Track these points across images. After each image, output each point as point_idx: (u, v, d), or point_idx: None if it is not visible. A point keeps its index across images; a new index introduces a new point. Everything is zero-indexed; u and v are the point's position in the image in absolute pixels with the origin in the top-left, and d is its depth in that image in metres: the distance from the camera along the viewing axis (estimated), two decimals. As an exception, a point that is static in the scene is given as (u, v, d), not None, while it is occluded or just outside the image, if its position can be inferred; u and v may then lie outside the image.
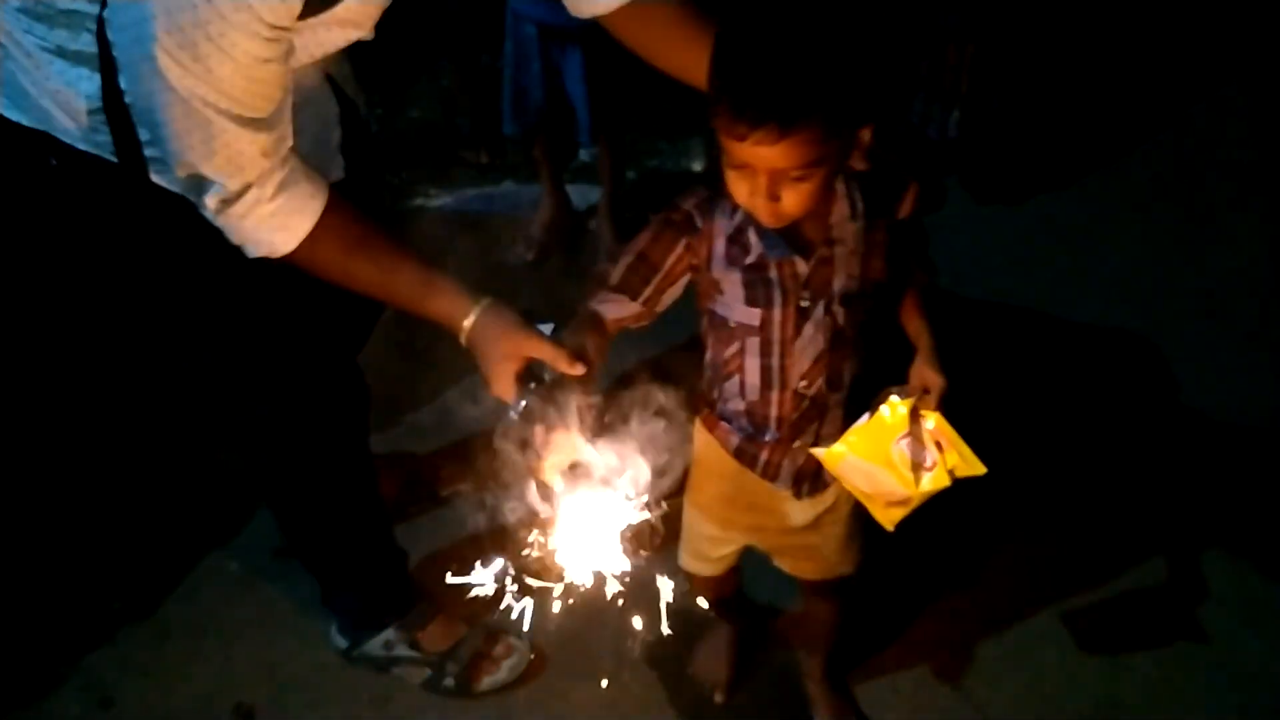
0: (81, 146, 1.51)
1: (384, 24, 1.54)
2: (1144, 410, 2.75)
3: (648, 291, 1.54)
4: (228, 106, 1.32)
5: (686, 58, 1.54)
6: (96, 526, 2.40)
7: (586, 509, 1.46)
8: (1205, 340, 2.89)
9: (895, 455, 1.57)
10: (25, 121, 1.53)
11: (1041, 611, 2.31)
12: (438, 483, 2.50)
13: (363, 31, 1.51)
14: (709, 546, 1.89)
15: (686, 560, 1.93)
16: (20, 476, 2.42)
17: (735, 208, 1.51)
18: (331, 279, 1.51)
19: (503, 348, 1.47)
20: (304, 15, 1.35)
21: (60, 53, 1.45)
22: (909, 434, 1.57)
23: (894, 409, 1.55)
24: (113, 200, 1.57)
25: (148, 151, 1.39)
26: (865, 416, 1.57)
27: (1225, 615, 2.31)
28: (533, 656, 2.21)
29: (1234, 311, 2.99)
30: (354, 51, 1.66)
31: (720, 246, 1.54)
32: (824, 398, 1.64)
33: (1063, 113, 3.59)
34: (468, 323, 1.49)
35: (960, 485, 1.56)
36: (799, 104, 1.32)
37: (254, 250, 1.45)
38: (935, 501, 1.55)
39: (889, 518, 1.65)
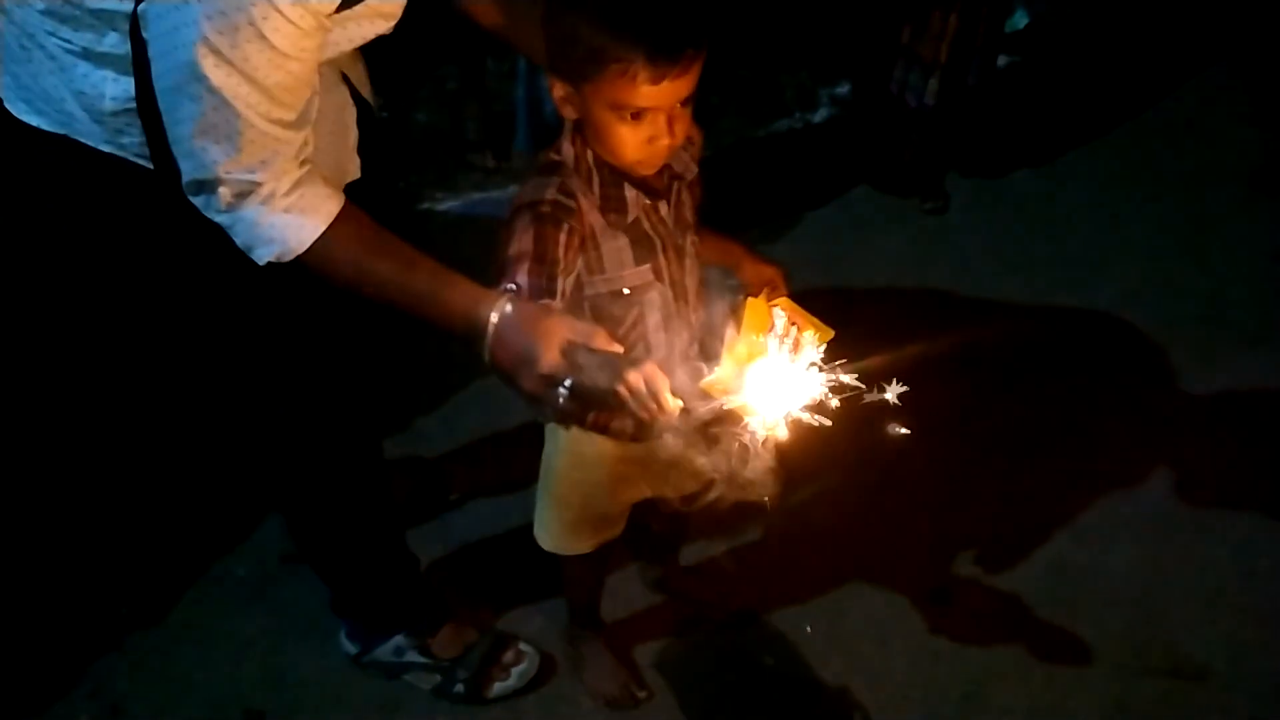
0: (105, 149, 1.50)
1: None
2: (1146, 413, 2.75)
3: (559, 287, 1.52)
4: (258, 101, 1.31)
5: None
6: (105, 532, 2.38)
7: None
8: (1208, 344, 2.91)
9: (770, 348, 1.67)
10: (45, 125, 1.52)
11: (1051, 619, 2.32)
12: (447, 487, 2.50)
13: (389, 24, 1.51)
14: (610, 505, 1.89)
15: (580, 540, 1.93)
16: (29, 481, 2.41)
17: (590, 178, 1.57)
18: (346, 280, 1.47)
19: (539, 325, 1.40)
20: (345, 5, 1.35)
21: (86, 55, 1.44)
22: (771, 327, 1.65)
23: (758, 310, 1.62)
24: (132, 202, 1.56)
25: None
26: (730, 330, 1.63)
27: (1236, 623, 2.32)
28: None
29: (1237, 315, 3.01)
30: (362, 54, 1.67)
31: (597, 219, 1.57)
32: (699, 320, 1.72)
33: (1060, 103, 3.63)
34: (495, 315, 1.42)
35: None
36: (701, 22, 1.44)
37: (265, 252, 1.42)
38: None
39: None
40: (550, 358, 1.39)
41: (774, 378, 1.39)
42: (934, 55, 3.08)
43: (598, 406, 1.42)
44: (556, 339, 1.39)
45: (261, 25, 1.27)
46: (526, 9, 1.67)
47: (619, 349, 1.41)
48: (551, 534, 1.94)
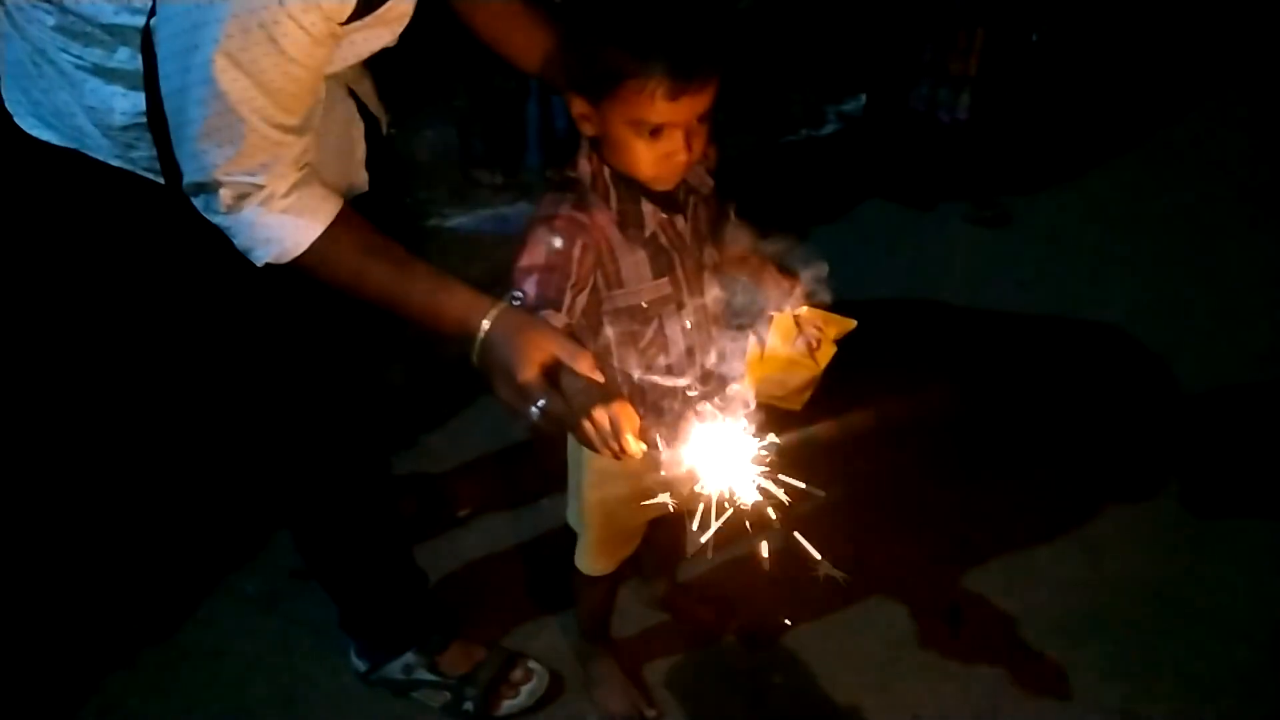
0: (114, 163, 1.51)
1: (399, 43, 1.54)
2: (1158, 430, 2.75)
3: (567, 301, 1.52)
4: (263, 105, 1.32)
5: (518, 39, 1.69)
6: (115, 548, 2.38)
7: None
8: (1216, 362, 2.90)
9: (797, 354, 1.70)
10: (55, 140, 1.53)
11: (1062, 638, 2.30)
12: (454, 503, 2.49)
13: (393, 35, 1.52)
14: (632, 520, 1.89)
15: (606, 560, 1.95)
16: (40, 497, 2.41)
17: (607, 193, 1.57)
18: (342, 283, 1.47)
19: (527, 338, 1.39)
20: (357, 14, 1.36)
21: (96, 71, 1.45)
22: (800, 334, 1.69)
23: (784, 323, 1.67)
24: (141, 216, 1.56)
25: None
26: (752, 339, 1.67)
27: (1245, 643, 2.30)
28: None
29: (1244, 333, 3.01)
30: (369, 70, 1.68)
31: (615, 234, 1.58)
32: (719, 333, 1.72)
33: (1067, 121, 3.64)
34: (486, 322, 1.41)
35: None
36: (718, 39, 1.46)
37: (263, 253, 1.42)
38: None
39: (800, 401, 1.77)
40: (528, 372, 1.38)
41: (723, 448, 1.39)
42: (963, 69, 3.10)
43: (568, 430, 1.41)
44: (540, 354, 1.38)
45: (273, 30, 1.28)
46: (521, 20, 1.68)
47: (600, 378, 1.39)
48: (579, 554, 1.95)
